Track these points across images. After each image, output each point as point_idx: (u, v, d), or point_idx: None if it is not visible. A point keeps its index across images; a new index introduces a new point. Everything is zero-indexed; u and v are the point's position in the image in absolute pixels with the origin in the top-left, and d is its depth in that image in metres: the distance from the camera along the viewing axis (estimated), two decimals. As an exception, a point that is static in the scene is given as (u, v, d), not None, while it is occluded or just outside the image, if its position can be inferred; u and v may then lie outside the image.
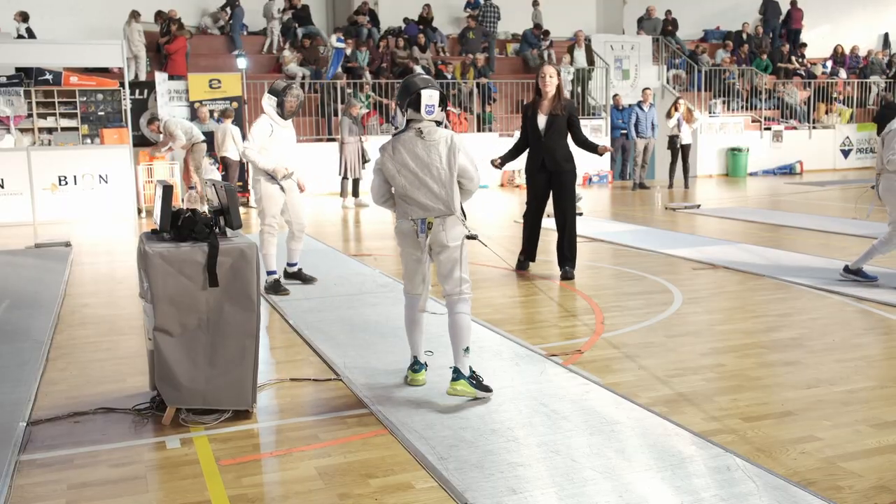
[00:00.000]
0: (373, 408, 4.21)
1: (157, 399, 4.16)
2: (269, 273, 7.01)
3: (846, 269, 7.05)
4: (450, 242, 4.23)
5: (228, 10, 18.47)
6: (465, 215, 4.31)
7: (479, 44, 19.19)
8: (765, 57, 21.38)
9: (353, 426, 4.00)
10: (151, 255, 3.85)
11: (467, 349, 4.26)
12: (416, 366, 4.56)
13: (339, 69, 17.26)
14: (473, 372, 4.28)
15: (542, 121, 7.42)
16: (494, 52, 19.90)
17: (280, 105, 6.73)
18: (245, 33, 19.40)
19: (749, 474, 3.35)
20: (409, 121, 4.24)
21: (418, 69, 17.86)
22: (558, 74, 7.48)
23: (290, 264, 7.36)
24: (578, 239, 9.65)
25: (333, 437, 3.86)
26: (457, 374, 4.24)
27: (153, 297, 3.88)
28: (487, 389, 4.26)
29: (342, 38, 17.76)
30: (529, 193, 7.79)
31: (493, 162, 7.71)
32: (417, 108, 4.17)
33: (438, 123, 4.27)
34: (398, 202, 4.32)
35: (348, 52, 17.62)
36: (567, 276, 7.51)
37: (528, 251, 7.91)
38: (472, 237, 4.33)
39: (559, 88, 7.44)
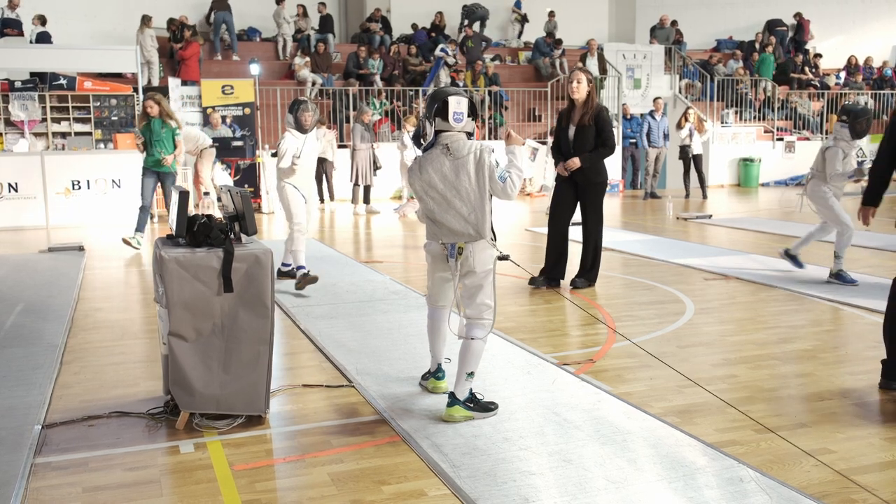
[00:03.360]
0: (385, 415, 4.22)
1: (171, 403, 4.18)
2: (299, 268, 7.34)
3: (786, 252, 8.05)
4: (477, 268, 4.06)
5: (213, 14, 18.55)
6: (495, 236, 4.15)
7: (479, 51, 19.22)
8: (769, 50, 21.32)
9: (365, 433, 4.01)
10: (167, 260, 3.88)
11: (471, 374, 4.08)
12: (440, 373, 4.56)
13: (436, 77, 17.98)
14: (473, 395, 4.14)
15: (570, 131, 7.23)
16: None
17: (296, 121, 7.21)
18: (258, 40, 19.53)
19: (762, 486, 3.34)
20: (437, 133, 4.06)
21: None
22: (589, 81, 7.14)
23: (286, 265, 7.65)
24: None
25: (346, 444, 3.87)
26: (452, 400, 4.08)
27: (168, 302, 3.90)
28: (488, 409, 4.14)
29: (446, 48, 18.05)
30: (553, 199, 7.50)
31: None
32: (445, 117, 4.02)
33: (470, 136, 4.10)
34: (427, 222, 4.18)
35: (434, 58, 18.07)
36: (574, 285, 7.44)
37: (549, 268, 7.49)
38: (503, 258, 4.22)
39: (591, 95, 7.14)
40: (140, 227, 10.23)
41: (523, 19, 21.28)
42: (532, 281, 7.47)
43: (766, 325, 6.12)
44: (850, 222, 7.49)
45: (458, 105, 4.00)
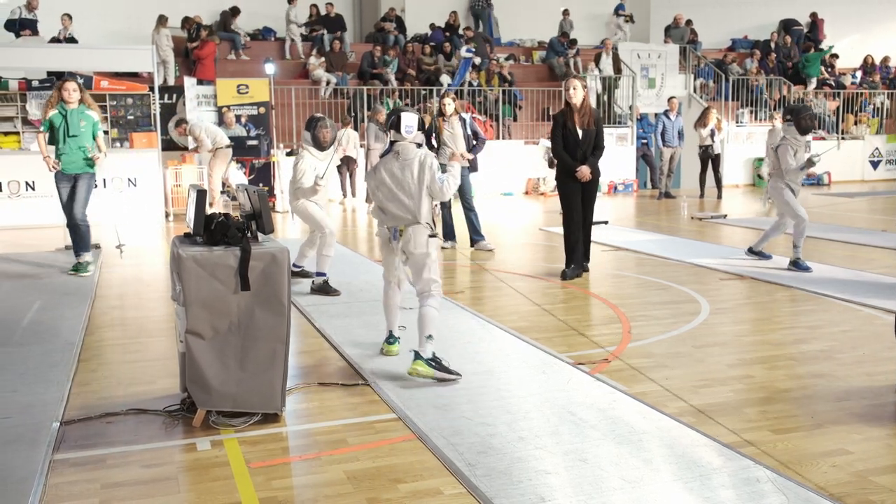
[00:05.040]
0: (400, 413, 4.23)
1: (188, 401, 4.20)
2: (319, 274, 7.22)
3: (749, 251, 8.67)
4: (416, 248, 4.83)
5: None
6: (434, 224, 4.93)
7: (484, 50, 19.27)
8: (814, 49, 21.37)
9: (381, 431, 4.02)
10: (185, 258, 3.90)
11: (430, 336, 4.72)
12: (391, 339, 5.28)
13: (465, 76, 18.12)
14: (437, 357, 4.71)
15: (579, 134, 7.76)
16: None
17: (314, 138, 7.01)
18: (272, 39, 19.58)
19: (779, 487, 3.33)
20: (392, 142, 4.90)
21: (445, 76, 18.02)
22: (583, 87, 7.79)
23: (296, 266, 7.46)
24: (603, 247, 9.72)
25: (362, 442, 3.88)
26: (416, 356, 4.71)
27: (186, 300, 3.92)
28: (450, 372, 4.69)
29: (472, 48, 18.39)
30: (568, 206, 7.92)
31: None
32: (398, 129, 4.83)
33: (419, 146, 4.90)
34: (378, 213, 5.00)
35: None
36: (584, 269, 8.05)
37: (571, 258, 7.96)
38: (433, 235, 4.89)
39: (586, 99, 7.76)
40: (83, 248, 8.35)
41: (630, 19, 21.29)
42: (563, 275, 7.89)
43: (782, 326, 6.10)
44: (804, 214, 8.12)
45: (409, 120, 4.84)
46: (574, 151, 7.75)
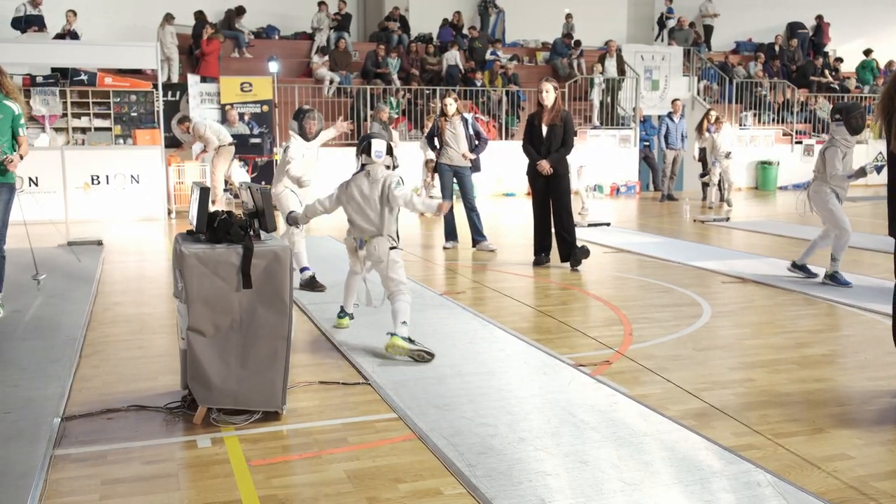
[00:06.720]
0: (401, 413, 4.23)
1: (189, 398, 4.20)
2: (303, 270, 7.35)
3: (793, 265, 7.96)
4: (382, 256, 5.35)
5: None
6: (398, 237, 5.48)
7: (486, 52, 19.34)
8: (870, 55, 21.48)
9: (381, 430, 4.02)
10: (187, 255, 3.90)
11: (405, 322, 5.17)
12: (342, 314, 5.92)
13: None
14: (412, 339, 5.13)
15: (543, 130, 8.42)
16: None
17: (301, 128, 7.30)
18: (276, 38, 19.58)
19: (779, 491, 3.32)
20: (363, 164, 5.39)
21: (450, 57, 18.33)
22: (555, 89, 8.47)
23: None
24: (605, 249, 9.71)
25: (362, 441, 3.88)
26: (393, 334, 5.12)
27: (187, 298, 3.92)
28: (424, 349, 5.08)
29: (496, 51, 19.04)
30: (534, 200, 8.71)
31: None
32: (369, 153, 5.34)
33: (388, 168, 5.39)
34: (349, 224, 5.49)
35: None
36: (577, 263, 8.34)
37: (539, 244, 8.70)
38: (393, 248, 5.40)
39: (557, 101, 8.42)
40: None
41: (681, 27, 21.38)
42: (536, 262, 8.63)
43: (783, 329, 6.09)
44: (848, 226, 7.39)
45: (378, 146, 5.35)
46: (538, 146, 8.43)
